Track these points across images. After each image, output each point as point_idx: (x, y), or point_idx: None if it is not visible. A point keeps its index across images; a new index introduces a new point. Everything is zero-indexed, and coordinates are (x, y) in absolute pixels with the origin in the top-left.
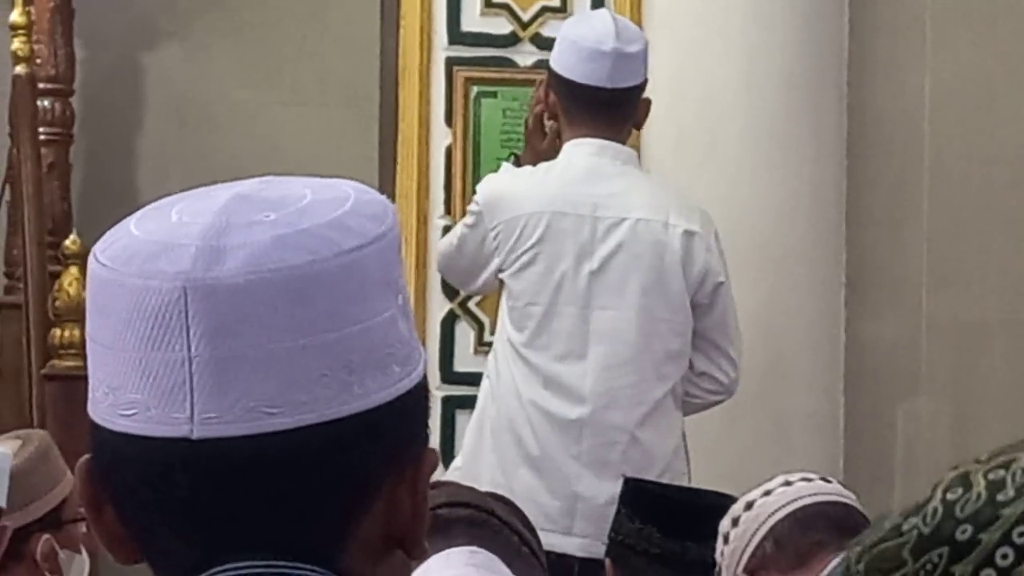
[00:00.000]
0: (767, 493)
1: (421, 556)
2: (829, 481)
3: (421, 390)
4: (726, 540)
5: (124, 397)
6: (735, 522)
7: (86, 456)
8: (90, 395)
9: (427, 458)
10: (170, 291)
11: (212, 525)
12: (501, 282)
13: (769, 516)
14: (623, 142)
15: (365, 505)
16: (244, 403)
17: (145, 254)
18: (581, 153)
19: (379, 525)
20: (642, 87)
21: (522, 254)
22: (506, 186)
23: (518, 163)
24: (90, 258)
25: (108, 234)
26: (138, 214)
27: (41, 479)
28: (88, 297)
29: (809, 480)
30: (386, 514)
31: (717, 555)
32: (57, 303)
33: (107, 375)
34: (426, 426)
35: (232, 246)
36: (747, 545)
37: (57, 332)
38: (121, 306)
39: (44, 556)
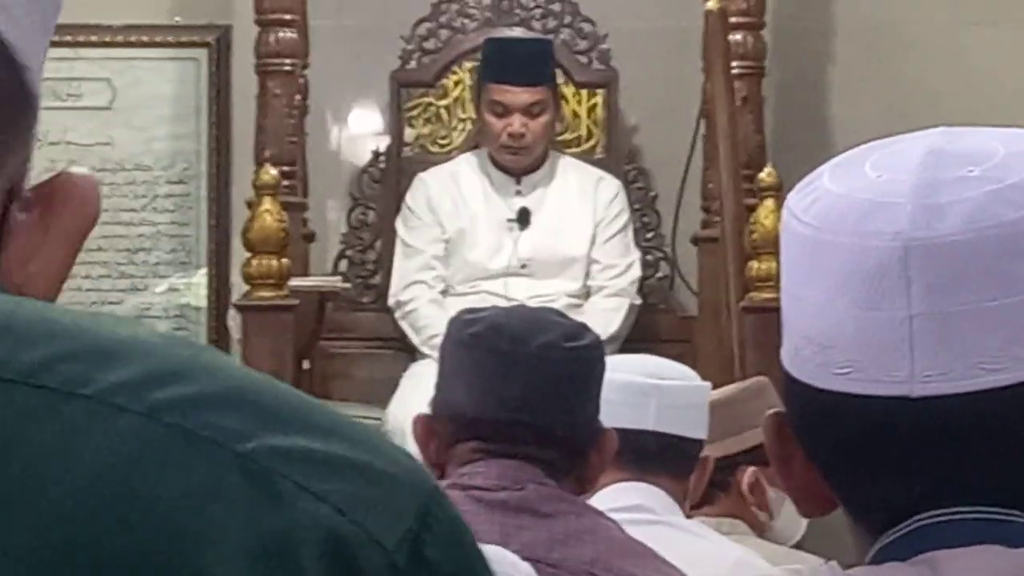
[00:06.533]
0: None
1: None
2: None
3: None
4: None
5: (837, 356)
6: None
7: (774, 410)
8: (787, 348)
9: None
10: (890, 250)
11: (926, 478)
12: None
13: None
14: None
15: None
16: (964, 360)
17: (857, 214)
18: None
19: None
20: None
21: None
22: None
23: None
24: (786, 215)
25: (801, 190)
26: (827, 168)
27: (751, 411)
28: (787, 255)
29: None
30: None
31: None
32: (754, 235)
33: (816, 333)
34: None
35: (946, 203)
36: None
37: (754, 264)
38: (834, 266)
39: (750, 487)
